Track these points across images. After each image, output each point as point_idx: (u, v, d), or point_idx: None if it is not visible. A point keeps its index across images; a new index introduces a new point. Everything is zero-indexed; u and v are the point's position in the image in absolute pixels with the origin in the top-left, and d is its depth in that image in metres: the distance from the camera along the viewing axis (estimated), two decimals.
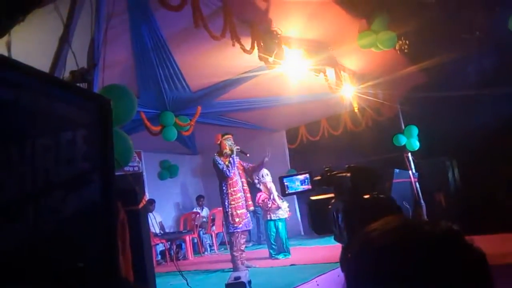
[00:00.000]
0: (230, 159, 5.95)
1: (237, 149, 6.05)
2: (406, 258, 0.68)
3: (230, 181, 5.93)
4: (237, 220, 5.82)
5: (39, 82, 1.39)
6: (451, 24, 5.78)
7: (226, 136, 6.14)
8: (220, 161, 5.93)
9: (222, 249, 8.85)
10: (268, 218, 6.70)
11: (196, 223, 8.75)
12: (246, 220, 5.95)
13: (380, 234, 0.73)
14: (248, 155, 6.30)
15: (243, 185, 6.08)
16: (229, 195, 5.89)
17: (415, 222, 0.76)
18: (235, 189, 5.94)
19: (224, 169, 5.88)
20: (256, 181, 6.74)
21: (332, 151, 8.24)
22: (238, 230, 5.85)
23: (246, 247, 6.33)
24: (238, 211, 5.86)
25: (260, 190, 6.83)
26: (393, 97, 7.97)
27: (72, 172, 1.44)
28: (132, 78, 5.21)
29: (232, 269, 5.76)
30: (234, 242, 5.85)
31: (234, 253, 5.84)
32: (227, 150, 6.00)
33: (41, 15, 3.34)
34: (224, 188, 5.94)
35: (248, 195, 6.11)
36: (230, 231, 5.88)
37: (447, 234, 0.71)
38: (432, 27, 5.61)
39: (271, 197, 6.66)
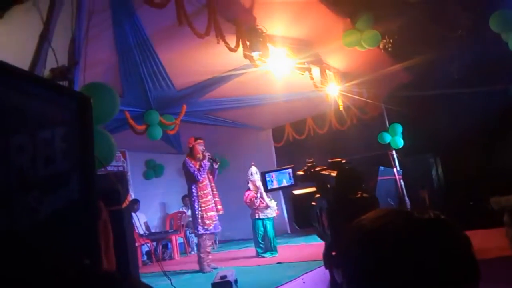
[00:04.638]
0: (202, 163, 5.99)
1: (209, 155, 6.09)
2: (396, 240, 0.69)
3: (200, 184, 5.99)
4: (207, 222, 5.89)
5: (14, 78, 1.35)
6: (435, 23, 5.84)
7: (198, 141, 6.17)
8: (191, 164, 5.98)
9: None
10: (256, 217, 6.70)
11: (182, 223, 8.69)
12: (216, 222, 6.04)
13: (371, 220, 0.74)
14: (218, 163, 6.37)
15: (212, 189, 6.15)
16: (200, 198, 5.96)
17: (404, 210, 0.78)
18: (205, 192, 6.01)
19: (196, 172, 5.93)
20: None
21: (318, 150, 8.27)
22: (208, 232, 5.92)
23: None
24: (209, 213, 5.94)
25: (248, 189, 6.82)
26: (378, 96, 8.04)
27: (50, 171, 1.41)
28: (116, 76, 5.15)
29: (218, 269, 5.75)
30: (202, 244, 5.93)
31: (201, 255, 5.92)
32: (200, 155, 6.05)
33: (20, 11, 3.28)
34: (194, 190, 5.98)
35: (217, 199, 6.18)
36: (199, 233, 5.93)
37: (435, 219, 0.73)
38: (415, 26, 5.67)
39: (259, 195, 6.66)
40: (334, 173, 1.27)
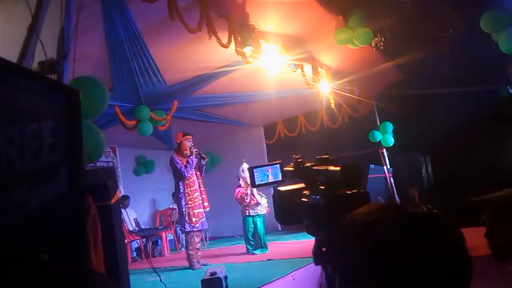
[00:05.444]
0: (189, 159, 5.93)
1: (196, 151, 6.02)
2: (389, 234, 0.68)
3: (187, 181, 5.93)
4: (194, 219, 5.84)
5: (2, 71, 1.32)
6: (426, 22, 5.88)
7: (187, 137, 6.10)
8: (178, 160, 5.92)
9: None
10: (247, 214, 6.69)
11: (172, 220, 8.66)
12: (203, 219, 6.00)
13: (364, 214, 0.74)
14: (206, 160, 6.30)
15: (199, 186, 6.10)
16: (186, 195, 5.90)
17: (397, 204, 0.78)
18: (192, 188, 5.95)
19: (182, 169, 5.87)
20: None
21: (309, 147, 8.29)
22: (195, 229, 5.88)
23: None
24: (195, 211, 5.89)
25: (239, 185, 6.80)
26: (369, 94, 8.08)
27: (38, 164, 1.38)
28: (106, 71, 5.09)
29: (208, 265, 5.74)
30: (190, 241, 5.88)
31: (190, 252, 5.88)
32: (188, 152, 5.98)
33: (8, 3, 3.22)
34: (181, 187, 5.92)
35: (204, 196, 6.13)
36: (186, 230, 5.89)
37: (428, 214, 0.72)
38: (407, 25, 5.69)
39: (249, 192, 6.64)
40: (333, 168, 1.26)
